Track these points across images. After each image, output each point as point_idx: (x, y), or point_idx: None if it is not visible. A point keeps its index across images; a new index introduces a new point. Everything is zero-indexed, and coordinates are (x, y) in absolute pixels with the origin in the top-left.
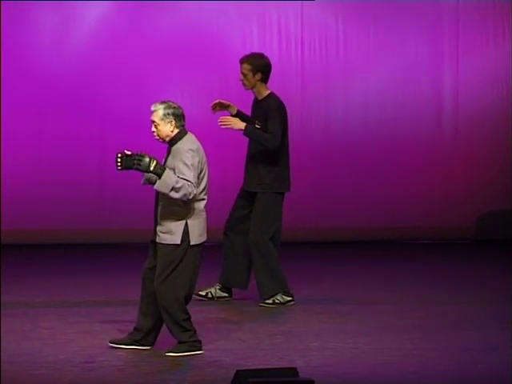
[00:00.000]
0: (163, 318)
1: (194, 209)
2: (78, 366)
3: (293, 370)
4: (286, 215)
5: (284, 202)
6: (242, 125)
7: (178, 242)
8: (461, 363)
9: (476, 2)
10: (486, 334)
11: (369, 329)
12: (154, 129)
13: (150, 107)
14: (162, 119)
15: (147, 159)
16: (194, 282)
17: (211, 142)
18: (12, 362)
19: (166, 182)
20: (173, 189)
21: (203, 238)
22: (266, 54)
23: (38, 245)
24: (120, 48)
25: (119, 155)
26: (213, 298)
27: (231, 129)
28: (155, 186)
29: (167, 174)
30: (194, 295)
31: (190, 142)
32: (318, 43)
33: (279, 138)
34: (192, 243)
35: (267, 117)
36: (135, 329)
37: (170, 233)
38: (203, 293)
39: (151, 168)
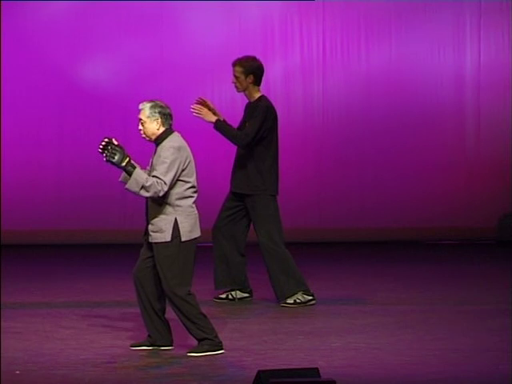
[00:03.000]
0: (178, 317)
1: (182, 206)
2: (100, 366)
3: (314, 371)
4: (308, 216)
5: (304, 204)
6: (213, 118)
7: (169, 239)
8: (484, 363)
9: (498, 2)
10: (510, 334)
11: (391, 329)
12: (140, 127)
13: (173, 109)
14: (149, 117)
15: (120, 155)
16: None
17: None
18: (34, 362)
19: (137, 181)
20: (143, 187)
21: (195, 234)
22: (287, 53)
23: (61, 245)
24: (141, 48)
25: (106, 140)
26: (234, 299)
27: (202, 119)
28: (126, 186)
29: (137, 172)
30: (214, 299)
31: (173, 141)
32: (339, 42)
33: (251, 137)
34: (183, 239)
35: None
36: (149, 335)
37: (160, 231)
38: (223, 295)
39: (123, 164)
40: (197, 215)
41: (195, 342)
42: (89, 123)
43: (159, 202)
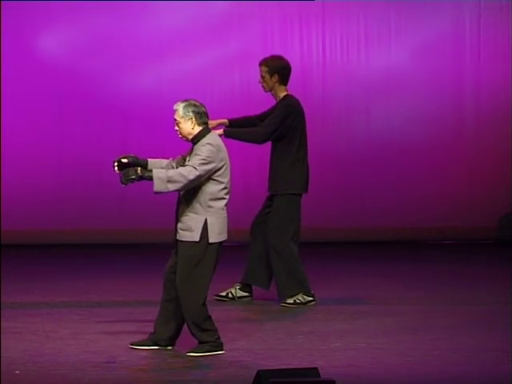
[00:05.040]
0: (184, 316)
1: (214, 207)
2: (100, 366)
3: (314, 370)
4: (310, 215)
5: (306, 203)
6: (219, 130)
7: (197, 239)
8: (484, 364)
9: (498, 2)
10: (510, 334)
11: (391, 329)
12: (176, 127)
13: (171, 108)
14: (183, 117)
15: (132, 170)
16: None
17: (234, 143)
18: (34, 361)
19: (160, 178)
20: (168, 181)
21: (223, 237)
22: (287, 54)
23: (59, 245)
24: (141, 49)
25: (116, 164)
26: (233, 297)
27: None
28: (154, 190)
29: (156, 172)
30: (214, 296)
31: (211, 139)
32: (339, 42)
33: (267, 132)
34: (211, 241)
35: None
36: (154, 333)
37: (189, 230)
38: (224, 293)
39: (139, 175)
40: (226, 218)
41: (195, 342)
42: (89, 123)
43: (191, 201)
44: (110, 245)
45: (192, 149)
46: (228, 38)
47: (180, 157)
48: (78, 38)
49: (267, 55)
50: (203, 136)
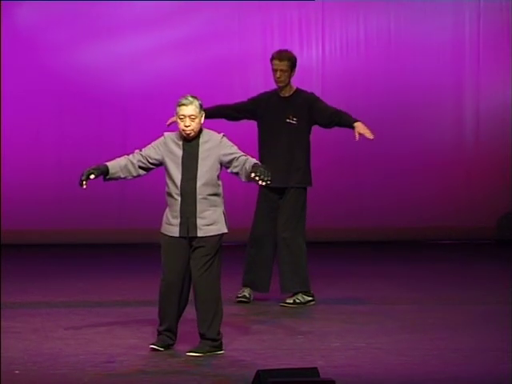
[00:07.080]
0: (207, 311)
1: (223, 197)
2: (99, 366)
3: (314, 370)
4: (310, 215)
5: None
6: (362, 128)
7: (226, 231)
8: (484, 363)
9: (497, 2)
10: (510, 334)
11: (390, 329)
12: (189, 123)
13: (171, 108)
14: (200, 112)
15: (267, 169)
16: None
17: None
18: (33, 361)
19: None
20: None
21: None
22: None
23: (59, 245)
24: (141, 48)
25: (84, 182)
26: (248, 300)
27: (368, 135)
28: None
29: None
30: (237, 299)
31: (214, 132)
32: (338, 42)
33: None
34: (227, 231)
35: (310, 108)
36: (168, 337)
37: (215, 223)
38: (242, 295)
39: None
40: None
41: (195, 342)
42: (88, 123)
43: (207, 195)
44: (110, 245)
45: (192, 146)
46: (228, 37)
47: (139, 153)
48: (79, 38)
49: (266, 55)
50: (201, 131)
